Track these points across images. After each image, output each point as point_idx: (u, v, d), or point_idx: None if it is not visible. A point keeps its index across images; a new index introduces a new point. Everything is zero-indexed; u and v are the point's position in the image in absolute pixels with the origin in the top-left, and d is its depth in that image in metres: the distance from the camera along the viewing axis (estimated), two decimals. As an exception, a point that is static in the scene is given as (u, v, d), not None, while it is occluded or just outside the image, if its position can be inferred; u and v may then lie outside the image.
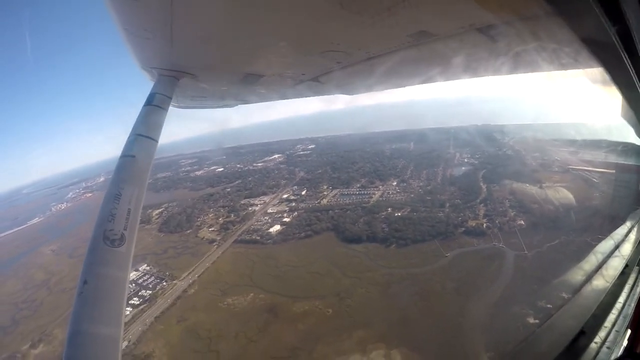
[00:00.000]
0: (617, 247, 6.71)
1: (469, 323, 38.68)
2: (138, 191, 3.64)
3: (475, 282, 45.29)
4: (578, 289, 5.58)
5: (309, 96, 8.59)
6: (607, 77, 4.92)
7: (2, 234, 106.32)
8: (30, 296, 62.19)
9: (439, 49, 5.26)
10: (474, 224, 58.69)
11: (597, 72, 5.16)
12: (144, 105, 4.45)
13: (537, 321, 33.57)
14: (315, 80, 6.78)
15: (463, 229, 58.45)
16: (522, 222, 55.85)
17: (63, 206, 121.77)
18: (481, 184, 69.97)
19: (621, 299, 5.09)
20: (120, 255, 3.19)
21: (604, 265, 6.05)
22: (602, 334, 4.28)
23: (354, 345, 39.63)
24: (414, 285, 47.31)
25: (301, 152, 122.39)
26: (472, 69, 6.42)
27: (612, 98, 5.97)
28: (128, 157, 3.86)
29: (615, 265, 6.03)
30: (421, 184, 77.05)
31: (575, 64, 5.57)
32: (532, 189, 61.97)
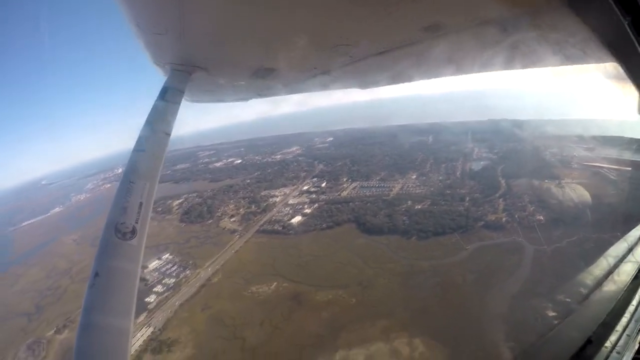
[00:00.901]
0: (630, 250, 6.52)
1: (489, 314, 38.68)
2: (150, 185, 3.64)
3: (495, 275, 45.28)
4: (587, 295, 5.54)
5: (323, 90, 8.51)
6: (622, 71, 4.79)
7: (24, 223, 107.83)
8: (54, 284, 63.29)
9: (453, 43, 5.28)
10: (493, 218, 58.60)
11: (612, 66, 5.09)
12: (157, 100, 4.48)
13: (555, 314, 33.56)
14: (328, 74, 6.80)
15: (483, 222, 58.39)
16: (541, 217, 55.43)
17: (82, 197, 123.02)
18: (500, 179, 69.61)
19: (634, 302, 5.02)
20: (132, 248, 3.22)
21: (616, 270, 5.94)
22: (612, 338, 4.25)
23: (378, 333, 39.94)
24: (435, 277, 47.46)
25: (320, 145, 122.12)
26: (486, 62, 6.42)
27: (630, 94, 5.81)
28: (140, 152, 3.89)
29: (628, 270, 5.88)
30: (440, 177, 76.89)
31: (590, 58, 5.50)
32: (550, 185, 61.65)
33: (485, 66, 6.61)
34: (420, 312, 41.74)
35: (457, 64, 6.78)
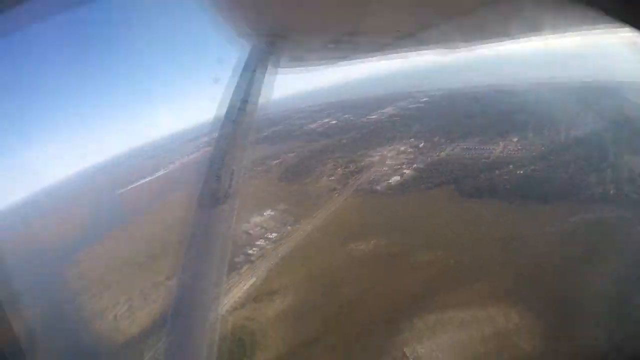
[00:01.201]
0: None
1: (591, 295, 35.57)
2: (241, 152, 4.02)
3: (599, 252, 41.62)
4: None
5: (408, 51, 8.90)
6: None
7: (131, 186, 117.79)
8: (163, 237, 67.85)
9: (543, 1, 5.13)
10: (600, 190, 54.33)
11: None
12: (243, 70, 4.75)
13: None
14: (413, 35, 6.96)
15: (588, 193, 54.62)
16: (654, 194, 51.04)
17: (185, 159, 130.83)
18: (609, 148, 64.17)
19: None
20: (224, 212, 3.66)
21: None
22: None
23: (475, 298, 39.55)
24: (536, 247, 45.43)
25: (414, 105, 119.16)
26: (579, 20, 6.11)
27: None
28: (230, 120, 4.27)
29: None
30: (543, 142, 72.66)
31: None
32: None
33: (578, 25, 6.53)
34: (519, 281, 40.49)
35: (549, 22, 6.69)
